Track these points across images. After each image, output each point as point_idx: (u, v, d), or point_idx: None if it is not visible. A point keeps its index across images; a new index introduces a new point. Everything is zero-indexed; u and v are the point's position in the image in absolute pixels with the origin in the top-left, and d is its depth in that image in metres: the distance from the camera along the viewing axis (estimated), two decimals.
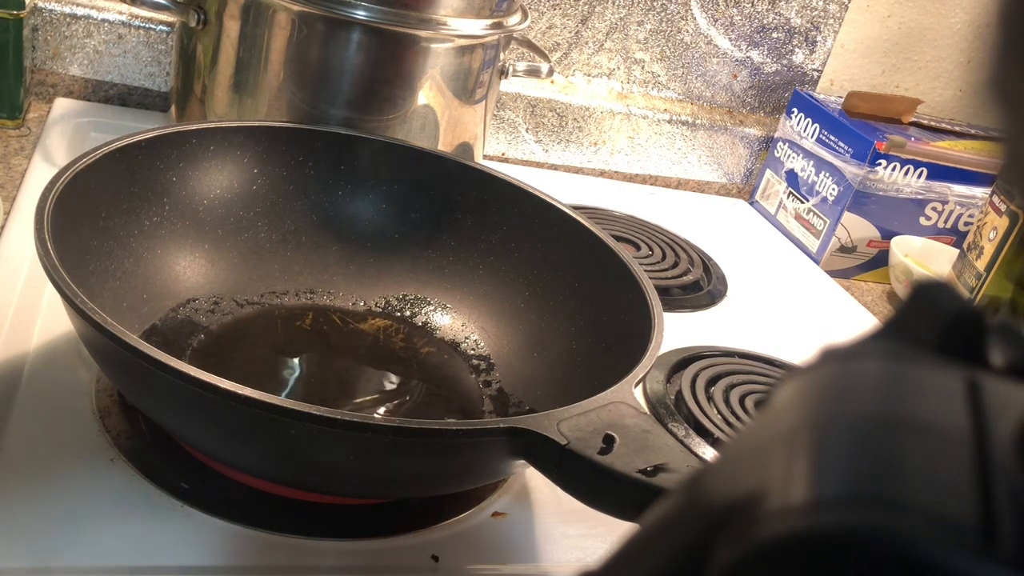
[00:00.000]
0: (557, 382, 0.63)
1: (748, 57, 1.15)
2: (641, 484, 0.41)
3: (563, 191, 0.80)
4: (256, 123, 0.70)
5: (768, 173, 1.18)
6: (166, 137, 0.63)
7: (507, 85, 1.04)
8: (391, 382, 0.64)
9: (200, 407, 0.46)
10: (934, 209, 1.08)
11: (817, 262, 1.08)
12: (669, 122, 1.14)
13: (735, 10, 1.11)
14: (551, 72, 0.91)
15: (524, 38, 0.93)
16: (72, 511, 0.48)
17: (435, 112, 0.80)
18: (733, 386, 0.74)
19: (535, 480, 0.59)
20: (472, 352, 0.68)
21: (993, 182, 1.02)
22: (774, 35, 1.15)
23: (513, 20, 0.82)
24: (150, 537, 0.48)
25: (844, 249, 1.08)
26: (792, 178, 1.13)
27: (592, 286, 0.65)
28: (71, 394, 0.56)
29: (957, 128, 1.14)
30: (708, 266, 0.97)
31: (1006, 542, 0.15)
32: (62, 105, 0.92)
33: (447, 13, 0.75)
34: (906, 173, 1.04)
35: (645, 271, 0.63)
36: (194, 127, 0.66)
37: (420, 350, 0.68)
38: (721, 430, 0.67)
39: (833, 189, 1.06)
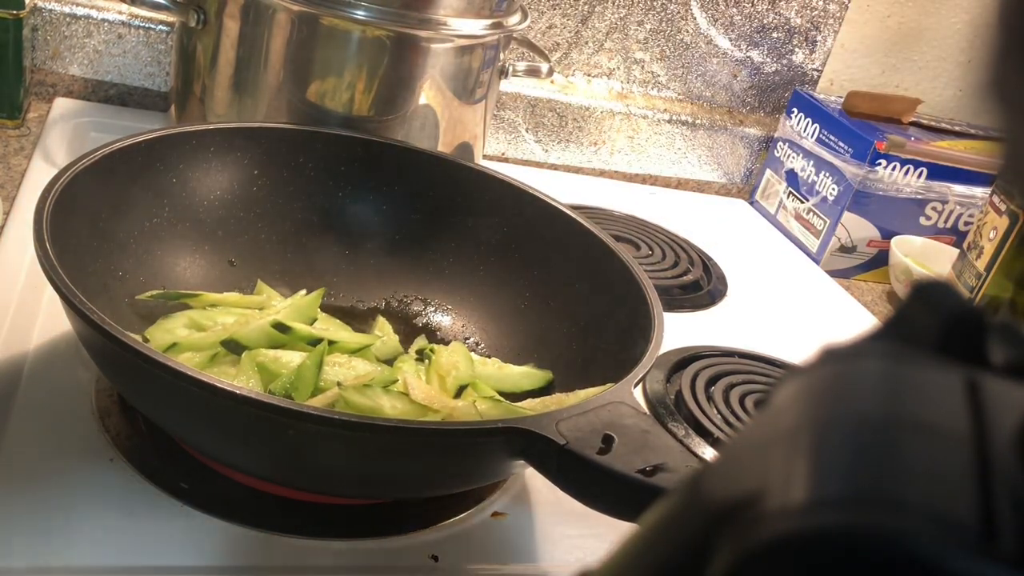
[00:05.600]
0: (557, 383, 0.63)
1: (748, 57, 1.15)
2: (640, 484, 0.41)
3: (563, 191, 0.80)
4: (256, 124, 0.70)
5: (768, 173, 1.18)
6: (166, 138, 0.63)
7: (507, 85, 1.04)
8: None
9: (198, 407, 0.46)
10: (934, 209, 1.08)
11: (817, 262, 1.08)
12: (669, 122, 1.14)
13: (735, 10, 1.11)
14: (551, 72, 0.91)
15: (524, 38, 0.93)
16: (72, 511, 0.48)
17: (435, 112, 0.80)
18: (733, 386, 0.74)
19: (535, 480, 0.59)
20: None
21: (993, 182, 1.02)
22: (774, 35, 1.15)
23: (513, 20, 0.82)
24: (150, 537, 0.48)
25: (844, 249, 1.08)
26: (792, 178, 1.13)
27: (592, 286, 0.65)
28: (71, 394, 0.56)
29: (957, 128, 1.14)
30: (708, 266, 0.97)
31: (1006, 541, 0.15)
32: (62, 105, 0.92)
33: (447, 13, 0.75)
34: (906, 173, 1.04)
35: (645, 271, 0.63)
36: (194, 128, 0.66)
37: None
38: (721, 430, 0.67)
39: (833, 189, 1.06)
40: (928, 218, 1.08)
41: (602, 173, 1.15)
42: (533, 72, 0.90)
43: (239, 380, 0.54)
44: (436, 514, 0.54)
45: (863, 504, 0.16)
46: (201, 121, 0.81)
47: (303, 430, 0.44)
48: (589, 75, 1.11)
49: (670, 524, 0.20)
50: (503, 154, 1.10)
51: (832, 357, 0.20)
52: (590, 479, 0.43)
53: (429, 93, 0.78)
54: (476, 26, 0.77)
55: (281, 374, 0.55)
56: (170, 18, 0.89)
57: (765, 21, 1.13)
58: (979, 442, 0.17)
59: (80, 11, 0.92)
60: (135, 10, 0.91)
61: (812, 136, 1.10)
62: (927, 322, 0.20)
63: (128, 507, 0.49)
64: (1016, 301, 0.92)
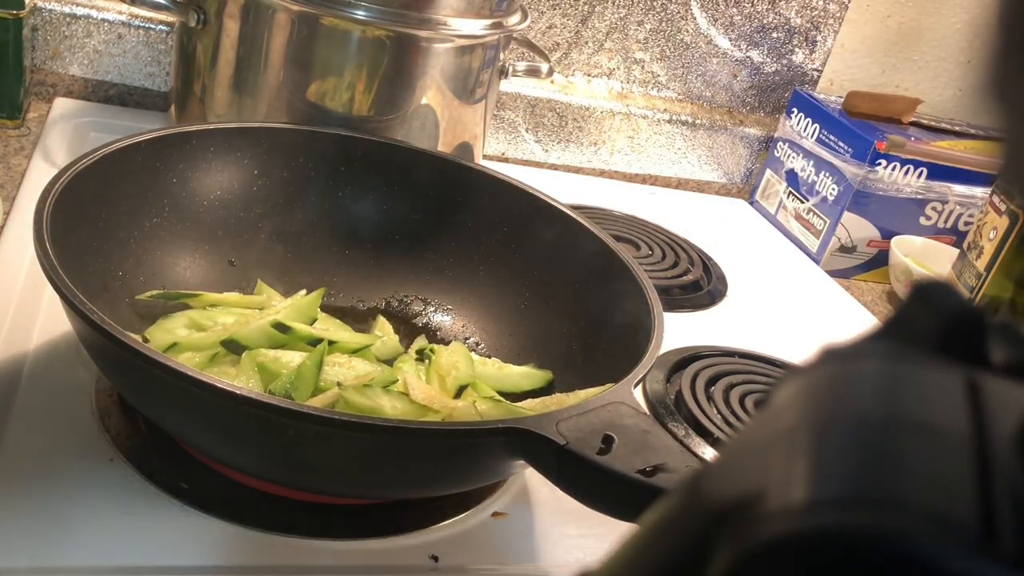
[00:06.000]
0: (558, 383, 0.63)
1: (748, 57, 1.15)
2: (640, 484, 0.41)
3: (563, 191, 0.80)
4: (257, 124, 0.70)
5: (768, 173, 1.18)
6: (166, 138, 0.63)
7: (507, 85, 1.04)
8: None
9: (198, 407, 0.46)
10: (934, 209, 1.08)
11: (817, 262, 1.08)
12: (669, 122, 1.14)
13: (735, 10, 1.11)
14: (551, 72, 0.91)
15: (524, 38, 0.93)
16: (72, 511, 0.48)
17: (435, 112, 0.80)
18: (733, 386, 0.74)
19: (535, 480, 0.59)
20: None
21: (993, 182, 1.02)
22: (774, 35, 1.15)
23: (513, 20, 0.82)
24: (150, 537, 0.48)
25: (844, 249, 1.08)
26: (792, 178, 1.13)
27: (592, 286, 0.65)
28: (71, 394, 0.56)
29: (957, 128, 1.14)
30: (708, 266, 0.97)
31: (1006, 541, 0.15)
32: (62, 105, 0.92)
33: (447, 13, 0.75)
34: (906, 173, 1.04)
35: (645, 271, 0.62)
36: (194, 128, 0.66)
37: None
38: (721, 430, 0.67)
39: (833, 189, 1.06)
40: (928, 218, 1.08)
41: (602, 173, 1.15)
42: (533, 72, 0.90)
43: (239, 380, 0.54)
44: (436, 514, 0.54)
45: (863, 504, 0.16)
46: (201, 121, 0.81)
47: (303, 430, 0.44)
48: (589, 75, 1.11)
49: (670, 524, 0.20)
50: (503, 154, 1.10)
51: (832, 357, 0.20)
52: (590, 479, 0.43)
53: (429, 93, 0.78)
54: (476, 26, 0.77)
55: (281, 374, 0.55)
56: (170, 18, 0.89)
57: (765, 21, 1.13)
58: (979, 442, 0.17)
59: (80, 11, 0.92)
60: (135, 10, 0.91)
61: (812, 136, 1.10)
62: (927, 322, 0.20)
63: (128, 507, 0.49)
64: (1016, 301, 0.92)
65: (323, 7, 0.72)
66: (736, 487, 0.18)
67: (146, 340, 0.57)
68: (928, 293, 0.20)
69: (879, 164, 1.03)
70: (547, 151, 1.12)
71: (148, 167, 0.63)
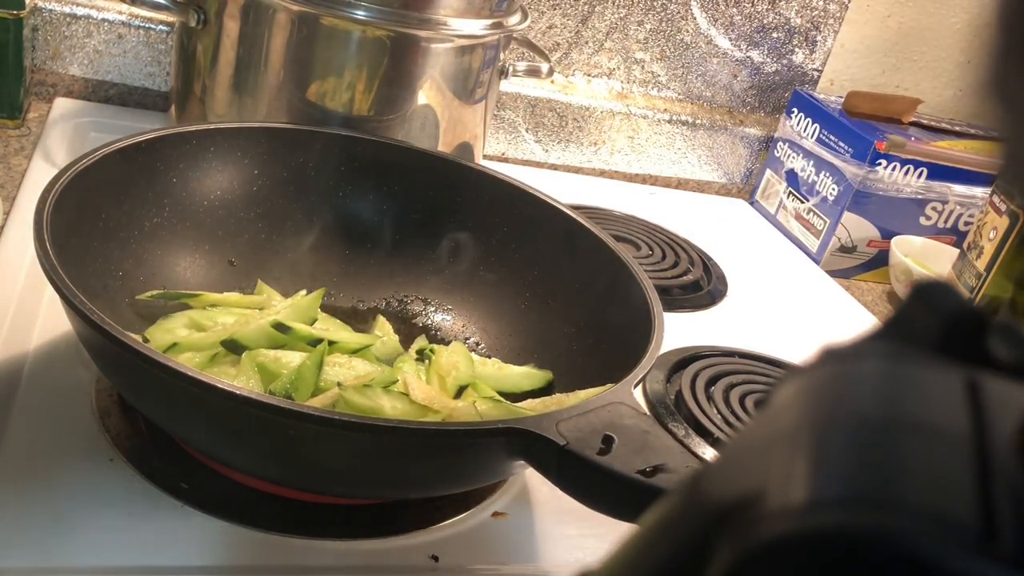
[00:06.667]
0: (558, 383, 0.63)
1: (748, 57, 1.15)
2: (640, 484, 0.41)
3: (563, 191, 0.79)
4: (256, 124, 0.70)
5: (768, 173, 1.18)
6: (166, 138, 0.63)
7: (507, 85, 1.04)
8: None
9: (198, 407, 0.46)
10: (934, 209, 1.08)
11: (817, 262, 1.08)
12: (669, 122, 1.14)
13: (735, 10, 1.11)
14: (551, 72, 0.91)
15: (524, 38, 0.93)
16: (72, 511, 0.48)
17: (435, 112, 0.80)
18: (733, 386, 0.74)
19: (535, 480, 0.59)
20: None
21: (993, 182, 1.02)
22: (774, 35, 1.15)
23: (513, 20, 0.81)
24: (150, 537, 0.48)
25: (844, 249, 1.08)
26: (792, 178, 1.13)
27: (592, 286, 0.65)
28: (71, 394, 0.56)
29: (957, 128, 1.14)
30: (708, 266, 0.97)
31: (1006, 541, 0.15)
32: (62, 105, 0.92)
33: (447, 13, 0.75)
34: (906, 173, 1.04)
35: (645, 271, 0.62)
36: (194, 128, 0.66)
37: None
38: (721, 430, 0.67)
39: (833, 189, 1.06)
40: (928, 218, 1.08)
41: (602, 173, 1.15)
42: (533, 72, 0.90)
43: (239, 380, 0.54)
44: (436, 514, 0.54)
45: (863, 504, 0.16)
46: (201, 121, 0.81)
47: (303, 430, 0.44)
48: (589, 75, 1.11)
49: (670, 524, 0.20)
50: (503, 154, 1.10)
51: (832, 357, 0.20)
52: (590, 480, 0.43)
53: (429, 93, 0.78)
54: (476, 26, 0.77)
55: (281, 374, 0.55)
56: (170, 18, 0.89)
57: (765, 21, 1.13)
58: (979, 442, 0.17)
59: (80, 11, 0.92)
60: (135, 10, 0.91)
61: (812, 136, 1.10)
62: (927, 322, 0.20)
63: (128, 507, 0.49)
64: (1016, 301, 0.92)
65: (323, 7, 0.72)
66: (736, 487, 0.18)
67: (146, 340, 0.57)
68: (928, 293, 0.20)
69: (879, 164, 1.03)
70: (547, 151, 1.12)
71: (149, 167, 0.63)
